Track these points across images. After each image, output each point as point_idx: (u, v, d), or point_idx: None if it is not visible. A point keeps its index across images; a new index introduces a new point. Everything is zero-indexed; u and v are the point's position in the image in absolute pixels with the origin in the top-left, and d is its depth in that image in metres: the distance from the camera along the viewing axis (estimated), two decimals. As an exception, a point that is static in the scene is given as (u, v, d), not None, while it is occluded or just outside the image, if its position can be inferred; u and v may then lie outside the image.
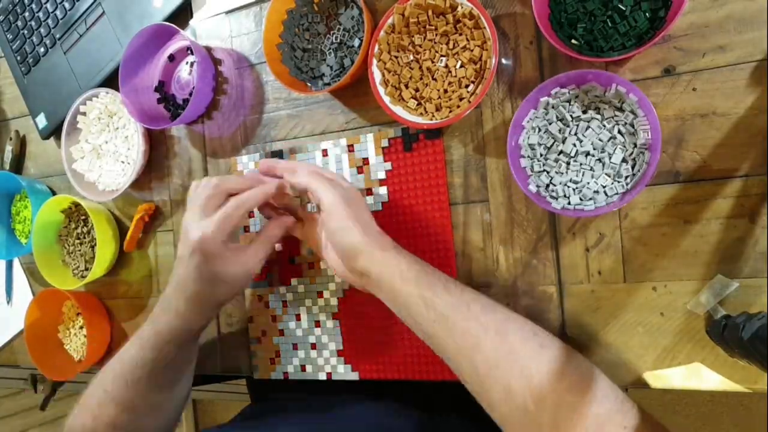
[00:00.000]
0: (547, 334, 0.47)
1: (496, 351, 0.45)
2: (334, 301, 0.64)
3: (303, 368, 0.66)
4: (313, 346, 0.65)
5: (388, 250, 0.51)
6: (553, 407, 0.42)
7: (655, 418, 0.43)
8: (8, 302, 0.88)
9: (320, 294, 0.64)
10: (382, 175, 0.60)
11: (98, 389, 0.58)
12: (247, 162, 0.68)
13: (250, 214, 0.67)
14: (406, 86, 0.57)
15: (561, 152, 0.50)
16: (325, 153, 0.63)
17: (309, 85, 0.64)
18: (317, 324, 0.65)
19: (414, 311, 0.48)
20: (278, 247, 0.62)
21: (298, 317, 0.66)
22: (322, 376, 0.65)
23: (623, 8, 0.48)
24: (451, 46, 0.55)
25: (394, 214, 0.60)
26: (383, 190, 0.60)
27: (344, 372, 0.63)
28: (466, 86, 0.55)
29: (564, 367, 0.44)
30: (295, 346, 0.66)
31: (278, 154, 0.66)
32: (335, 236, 0.51)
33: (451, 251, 0.58)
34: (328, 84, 0.62)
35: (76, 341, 0.80)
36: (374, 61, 0.57)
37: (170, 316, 0.55)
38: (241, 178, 0.57)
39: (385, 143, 0.60)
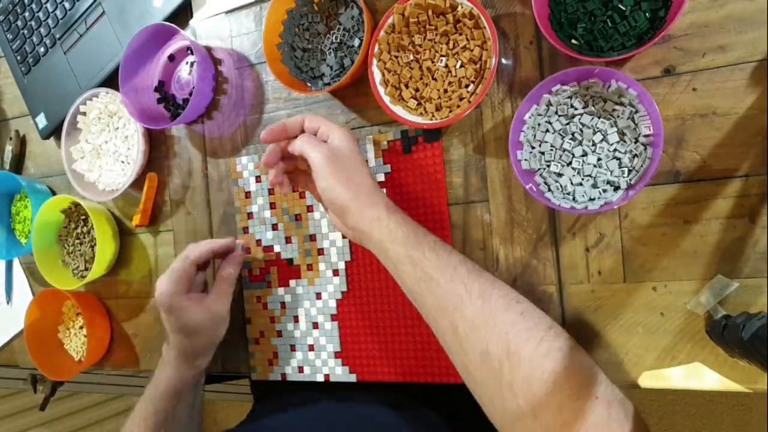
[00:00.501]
0: (530, 303, 0.48)
1: (477, 314, 0.46)
2: (332, 303, 0.64)
3: (301, 370, 0.65)
4: (311, 348, 0.65)
5: (378, 207, 0.51)
6: (529, 372, 0.43)
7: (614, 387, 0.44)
8: (8, 302, 0.88)
9: (318, 296, 0.64)
10: (381, 178, 0.60)
11: None
12: (246, 163, 0.68)
13: (250, 216, 0.67)
14: (406, 86, 0.57)
15: (562, 149, 0.50)
16: None
17: (309, 85, 0.64)
18: (315, 325, 0.65)
19: (400, 269, 0.50)
20: (286, 190, 0.58)
21: (296, 319, 0.66)
22: (320, 378, 0.64)
23: (623, 8, 0.48)
24: (451, 46, 0.55)
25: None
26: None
27: (342, 374, 0.63)
28: (466, 86, 0.55)
29: (543, 333, 0.45)
30: (293, 348, 0.66)
31: None
32: (324, 195, 0.52)
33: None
34: (328, 84, 0.62)
35: (76, 341, 0.80)
36: (374, 61, 0.57)
37: (163, 368, 0.62)
38: (204, 241, 0.64)
39: (384, 146, 0.60)
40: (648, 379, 0.50)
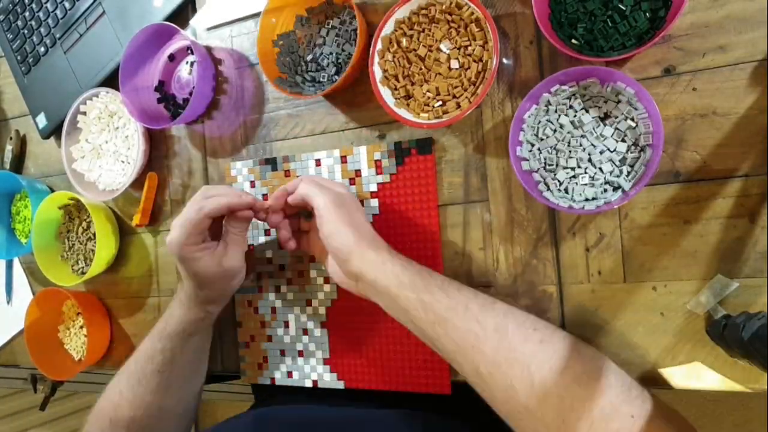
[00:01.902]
0: (548, 327, 0.47)
1: (496, 351, 0.45)
2: (322, 310, 0.64)
3: (290, 375, 0.66)
4: (300, 354, 0.65)
5: (381, 252, 0.51)
6: (557, 403, 0.42)
7: (665, 404, 0.43)
8: (8, 302, 0.88)
9: (309, 302, 0.64)
10: (374, 188, 0.61)
11: (114, 392, 0.61)
12: (240, 168, 0.68)
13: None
14: (407, 86, 0.57)
15: (562, 149, 0.50)
16: (318, 163, 0.63)
17: (302, 89, 0.63)
18: (305, 332, 0.65)
19: (412, 315, 0.49)
20: (292, 245, 0.60)
21: (286, 324, 0.66)
22: (308, 384, 0.65)
23: (623, 8, 0.48)
24: (452, 46, 0.55)
25: (384, 227, 0.60)
26: (374, 203, 0.60)
27: (330, 380, 0.63)
28: (467, 86, 0.54)
29: (565, 361, 0.44)
30: (282, 353, 0.66)
31: (272, 162, 0.66)
32: (328, 239, 0.52)
33: (440, 266, 0.58)
34: (323, 87, 0.62)
35: (76, 341, 0.80)
36: (375, 60, 0.57)
37: (175, 307, 0.60)
38: (222, 189, 0.58)
39: (377, 156, 0.60)
40: (648, 379, 0.50)
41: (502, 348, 0.45)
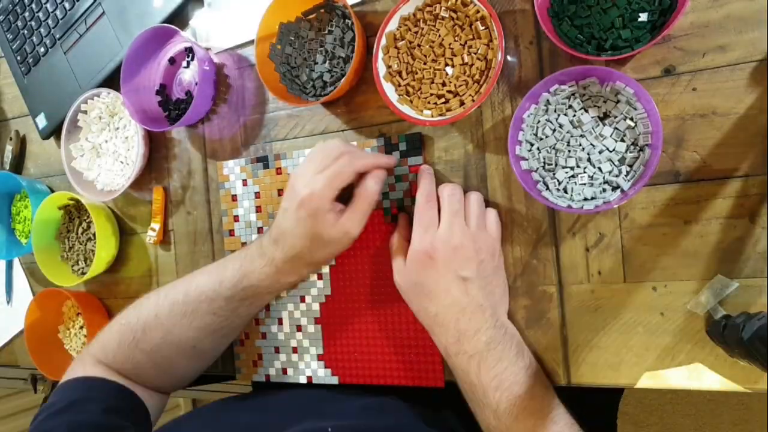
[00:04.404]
0: None
1: None
2: (315, 306, 0.64)
3: (284, 371, 0.66)
4: (295, 350, 0.65)
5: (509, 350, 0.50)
6: None
7: None
8: (8, 302, 0.88)
9: (302, 299, 0.64)
10: None
11: (148, 312, 0.56)
12: (233, 167, 0.68)
13: (236, 218, 0.67)
14: (410, 83, 0.57)
15: (561, 148, 0.50)
16: None
17: (294, 94, 0.63)
18: (299, 328, 0.65)
19: (480, 400, 0.50)
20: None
21: (280, 321, 0.66)
22: (303, 380, 0.65)
23: (624, 7, 0.48)
24: (456, 43, 0.55)
25: (377, 223, 0.60)
26: None
27: (324, 376, 0.64)
28: (471, 83, 0.54)
29: None
30: (276, 350, 0.66)
31: (264, 160, 0.66)
32: (433, 326, 0.52)
33: None
34: (320, 95, 0.62)
35: (76, 341, 0.80)
36: (379, 55, 0.57)
37: (264, 262, 0.54)
38: (366, 153, 0.57)
39: (368, 152, 0.60)
40: (648, 379, 0.50)
41: None
